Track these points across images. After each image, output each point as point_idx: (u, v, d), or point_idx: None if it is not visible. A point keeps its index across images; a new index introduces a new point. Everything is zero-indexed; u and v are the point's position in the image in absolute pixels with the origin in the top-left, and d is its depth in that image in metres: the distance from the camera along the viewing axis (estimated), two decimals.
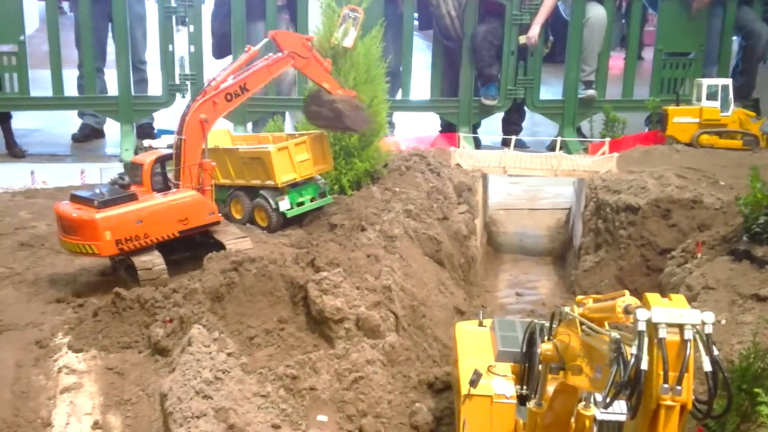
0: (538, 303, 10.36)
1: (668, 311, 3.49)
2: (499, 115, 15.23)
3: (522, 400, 5.43)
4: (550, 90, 15.81)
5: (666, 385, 3.46)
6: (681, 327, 3.48)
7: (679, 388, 3.47)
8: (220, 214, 8.40)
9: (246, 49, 8.45)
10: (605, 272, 10.20)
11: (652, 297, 3.61)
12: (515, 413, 5.56)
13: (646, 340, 3.48)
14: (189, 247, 8.27)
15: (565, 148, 12.91)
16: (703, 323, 3.52)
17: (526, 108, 14.94)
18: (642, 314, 3.49)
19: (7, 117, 13.93)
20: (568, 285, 10.82)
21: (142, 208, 7.67)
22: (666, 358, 3.44)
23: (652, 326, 3.49)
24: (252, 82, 8.31)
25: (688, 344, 3.47)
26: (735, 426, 5.74)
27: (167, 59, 13.64)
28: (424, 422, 6.47)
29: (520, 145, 13.48)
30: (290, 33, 8.31)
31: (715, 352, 3.51)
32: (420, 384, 6.96)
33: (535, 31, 13.85)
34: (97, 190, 7.77)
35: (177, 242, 8.07)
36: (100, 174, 11.52)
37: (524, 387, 5.44)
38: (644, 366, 3.48)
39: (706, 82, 13.07)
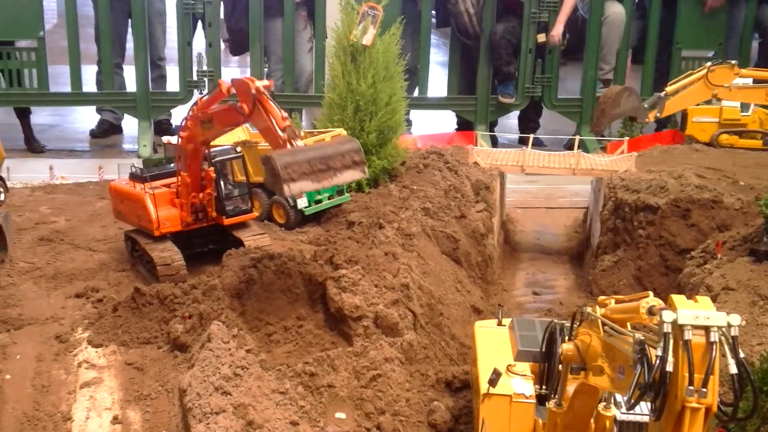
0: (556, 302, 10.31)
1: (694, 313, 3.48)
2: (516, 113, 15.18)
3: (541, 399, 5.43)
4: (567, 87, 15.72)
5: (691, 387, 3.45)
6: (707, 329, 3.46)
7: (704, 390, 3.45)
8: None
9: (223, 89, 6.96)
10: (623, 272, 10.13)
11: (677, 298, 3.60)
12: (534, 413, 5.55)
13: (671, 341, 3.47)
14: (207, 243, 8.31)
15: (583, 146, 12.83)
16: (729, 325, 3.50)
17: (543, 106, 14.88)
18: (668, 316, 3.48)
19: (26, 112, 14.04)
20: (586, 284, 10.76)
21: None
22: (692, 360, 3.43)
23: (678, 328, 3.47)
24: (218, 121, 7.19)
25: (714, 346, 3.45)
26: (755, 428, 5.69)
27: (185, 56, 13.69)
28: (442, 421, 6.47)
29: (538, 144, 13.41)
30: (243, 81, 6.65)
31: (741, 355, 3.49)
32: (438, 382, 6.96)
33: (558, 30, 13.78)
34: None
35: (196, 237, 8.11)
36: (117, 170, 11.53)
37: (543, 387, 5.44)
38: (669, 368, 3.47)
39: None
